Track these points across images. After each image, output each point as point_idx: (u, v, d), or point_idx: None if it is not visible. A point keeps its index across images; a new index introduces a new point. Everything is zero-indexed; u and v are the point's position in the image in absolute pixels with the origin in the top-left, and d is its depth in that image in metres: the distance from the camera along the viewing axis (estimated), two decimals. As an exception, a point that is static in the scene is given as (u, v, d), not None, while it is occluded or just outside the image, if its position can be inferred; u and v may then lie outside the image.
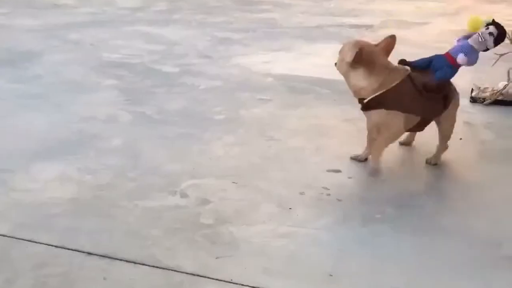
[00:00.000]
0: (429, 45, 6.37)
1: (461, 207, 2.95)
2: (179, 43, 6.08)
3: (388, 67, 3.16)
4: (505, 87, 4.56)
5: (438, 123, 3.40)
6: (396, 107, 3.10)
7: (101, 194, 2.94)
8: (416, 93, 3.12)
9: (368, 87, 3.12)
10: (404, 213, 2.85)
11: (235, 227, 2.68)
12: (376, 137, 3.23)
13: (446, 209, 2.93)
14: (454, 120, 3.39)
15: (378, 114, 3.15)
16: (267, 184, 3.09)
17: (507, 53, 4.52)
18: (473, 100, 4.55)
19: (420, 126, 3.29)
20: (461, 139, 3.78)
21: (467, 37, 3.22)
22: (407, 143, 3.62)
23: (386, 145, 3.24)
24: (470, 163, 3.46)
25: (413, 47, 6.30)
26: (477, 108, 4.44)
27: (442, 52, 3.27)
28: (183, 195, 2.95)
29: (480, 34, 3.16)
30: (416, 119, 3.20)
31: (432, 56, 3.26)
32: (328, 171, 3.29)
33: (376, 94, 3.11)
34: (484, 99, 4.53)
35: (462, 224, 2.79)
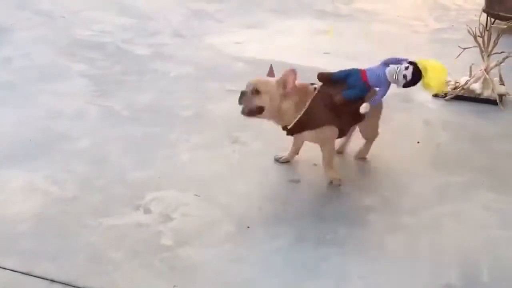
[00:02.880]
0: (400, 22, 6.43)
1: (410, 224, 3.10)
2: (152, 16, 6.05)
3: (300, 89, 3.25)
4: (466, 82, 4.66)
5: (360, 130, 3.58)
6: (317, 125, 3.24)
7: (66, 209, 3.04)
8: (327, 107, 3.23)
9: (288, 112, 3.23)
10: (355, 233, 3.00)
11: (194, 249, 2.82)
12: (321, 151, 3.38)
13: (396, 227, 3.08)
14: (375, 127, 3.57)
15: (309, 134, 3.32)
16: (227, 198, 3.21)
17: (471, 47, 4.61)
18: (435, 94, 4.66)
19: (342, 134, 3.44)
20: (418, 142, 3.90)
21: (388, 63, 3.33)
22: (340, 152, 3.72)
23: (332, 156, 3.40)
24: (424, 171, 3.59)
25: (384, 23, 6.36)
26: (438, 104, 4.55)
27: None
28: (147, 211, 3.07)
29: (397, 71, 3.25)
30: (335, 130, 3.34)
31: (350, 70, 3.36)
32: (289, 181, 3.41)
33: (295, 120, 3.24)
34: (445, 94, 4.64)
35: (409, 246, 2.94)
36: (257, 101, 3.17)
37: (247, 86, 3.22)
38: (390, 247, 2.92)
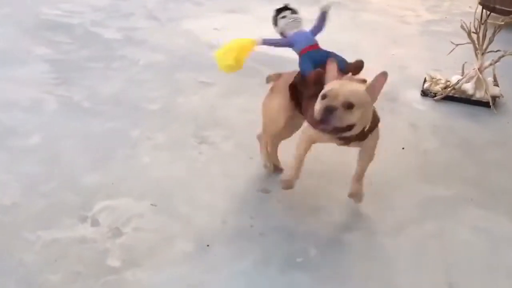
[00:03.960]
0: (390, 11, 6.08)
1: (389, 247, 2.79)
2: (127, -4, 5.65)
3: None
4: (458, 82, 4.34)
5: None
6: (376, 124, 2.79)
7: (3, 219, 2.70)
8: None
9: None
10: (327, 257, 2.69)
11: (144, 272, 2.50)
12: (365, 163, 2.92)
13: (372, 250, 2.77)
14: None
15: (373, 139, 2.82)
16: (188, 209, 2.89)
17: (464, 43, 4.28)
18: (424, 93, 4.33)
19: None
20: (403, 148, 3.58)
21: None
22: None
23: None
24: (408, 183, 3.27)
25: (373, 12, 6.01)
26: (427, 104, 4.23)
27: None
28: (94, 223, 2.74)
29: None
30: None
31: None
32: (258, 190, 3.08)
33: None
34: (435, 94, 4.32)
35: (388, 273, 2.63)
36: (350, 118, 2.47)
37: (329, 98, 2.47)
38: (366, 273, 2.61)
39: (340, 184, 3.16)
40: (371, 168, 3.28)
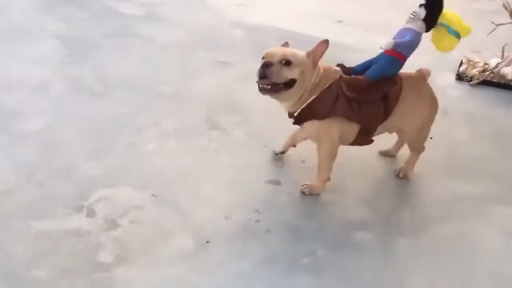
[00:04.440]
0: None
1: (406, 249, 2.56)
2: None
3: (318, 73, 2.66)
4: (497, 65, 4.02)
5: (398, 133, 2.96)
6: (326, 114, 2.63)
7: (-6, 207, 2.56)
8: (345, 97, 2.63)
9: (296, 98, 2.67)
10: (336, 258, 2.48)
11: (135, 270, 2.33)
12: (317, 154, 2.78)
13: (387, 252, 2.54)
14: (417, 130, 2.86)
15: (310, 126, 2.70)
16: (191, 201, 2.70)
17: (506, 23, 3.95)
18: (459, 77, 4.03)
19: (364, 137, 2.76)
20: (431, 138, 3.30)
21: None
22: (389, 154, 3.17)
23: (329, 163, 2.78)
24: (432, 177, 3.03)
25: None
26: (462, 89, 3.94)
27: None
28: (90, 213, 2.58)
29: (412, 12, 2.70)
30: (355, 128, 2.71)
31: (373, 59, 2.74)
32: (267, 182, 2.87)
33: (305, 104, 2.65)
34: (471, 78, 4.01)
35: (404, 279, 2.41)
36: (288, 73, 2.57)
37: (267, 57, 2.60)
38: (377, 278, 2.39)
39: (356, 178, 2.94)
40: (392, 158, 3.05)
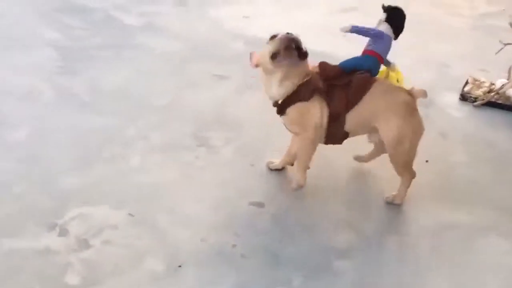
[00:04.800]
0: (443, 2, 5.57)
1: (385, 281, 2.43)
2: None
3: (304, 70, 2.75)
4: (502, 86, 3.87)
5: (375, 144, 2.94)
6: (310, 95, 2.70)
7: (-35, 222, 2.50)
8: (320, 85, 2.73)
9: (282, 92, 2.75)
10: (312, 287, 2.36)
11: (101, 294, 2.24)
12: (297, 140, 2.82)
13: (365, 284, 2.42)
14: (394, 142, 2.73)
15: (296, 110, 2.73)
16: (168, 221, 2.62)
17: (514, 43, 3.82)
18: (463, 97, 3.89)
19: (334, 125, 2.75)
20: (427, 161, 3.19)
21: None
22: (361, 159, 3.12)
23: (310, 150, 2.79)
24: (423, 203, 2.90)
25: (423, 1, 5.53)
26: (464, 110, 3.80)
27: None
28: (63, 232, 2.51)
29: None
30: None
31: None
32: (250, 204, 2.78)
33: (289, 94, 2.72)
34: (475, 98, 3.87)
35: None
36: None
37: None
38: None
39: (340, 199, 2.83)
40: (383, 180, 2.94)
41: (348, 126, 2.74)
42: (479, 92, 3.92)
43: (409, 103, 2.72)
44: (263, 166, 3.01)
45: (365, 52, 2.86)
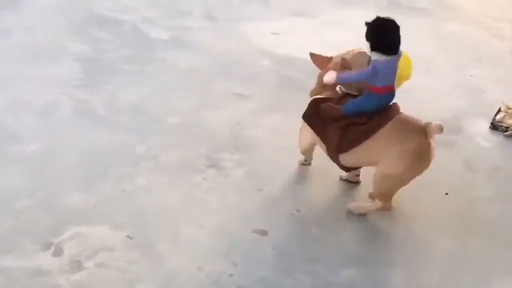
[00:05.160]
0: (484, 23, 5.36)
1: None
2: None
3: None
4: (537, 117, 3.67)
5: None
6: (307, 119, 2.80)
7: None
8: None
9: None
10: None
11: (86, 320, 2.19)
12: None
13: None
14: (383, 176, 2.66)
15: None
16: (166, 246, 2.56)
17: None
18: (494, 126, 3.70)
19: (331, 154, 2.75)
20: (446, 194, 3.03)
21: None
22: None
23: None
24: (435, 240, 2.75)
25: (463, 23, 5.33)
26: (493, 140, 3.61)
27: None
28: (57, 252, 2.48)
29: None
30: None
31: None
32: (253, 231, 2.69)
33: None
34: (507, 128, 3.68)
35: None
36: None
37: None
38: None
39: (346, 231, 2.71)
40: (396, 213, 2.81)
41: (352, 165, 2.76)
42: (511, 122, 3.73)
43: (420, 151, 2.59)
44: (271, 191, 2.91)
45: (370, 89, 2.66)
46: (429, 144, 2.56)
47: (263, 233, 2.68)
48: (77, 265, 2.41)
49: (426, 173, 2.90)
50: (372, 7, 5.36)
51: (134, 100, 3.57)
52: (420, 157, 2.54)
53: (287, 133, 3.26)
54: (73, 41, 4.21)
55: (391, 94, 2.69)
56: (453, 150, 3.43)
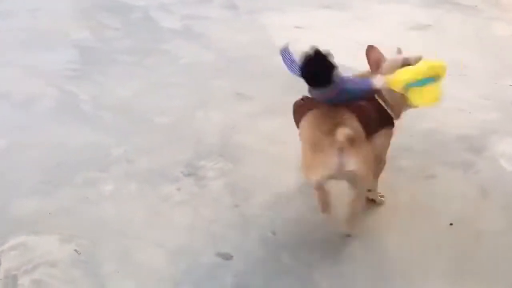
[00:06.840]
0: None
1: None
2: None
3: None
4: None
5: None
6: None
7: None
8: None
9: None
10: None
11: None
12: None
13: None
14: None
15: None
16: (113, 268, 2.31)
17: None
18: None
19: None
20: (451, 224, 2.66)
21: None
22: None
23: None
24: (428, 284, 2.38)
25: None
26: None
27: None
28: (-6, 264, 2.25)
29: None
30: None
31: None
32: (217, 255, 2.40)
33: None
34: (537, 150, 3.23)
35: None
36: None
37: None
38: None
39: (319, 270, 2.38)
40: (384, 241, 2.47)
41: None
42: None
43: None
44: (248, 208, 2.61)
45: None
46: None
47: (227, 257, 2.39)
48: (11, 281, 2.19)
49: (431, 198, 2.54)
50: (411, 1, 4.93)
51: (123, 96, 3.34)
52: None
53: (283, 142, 2.95)
54: (77, 27, 4.02)
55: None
56: (470, 173, 3.02)
